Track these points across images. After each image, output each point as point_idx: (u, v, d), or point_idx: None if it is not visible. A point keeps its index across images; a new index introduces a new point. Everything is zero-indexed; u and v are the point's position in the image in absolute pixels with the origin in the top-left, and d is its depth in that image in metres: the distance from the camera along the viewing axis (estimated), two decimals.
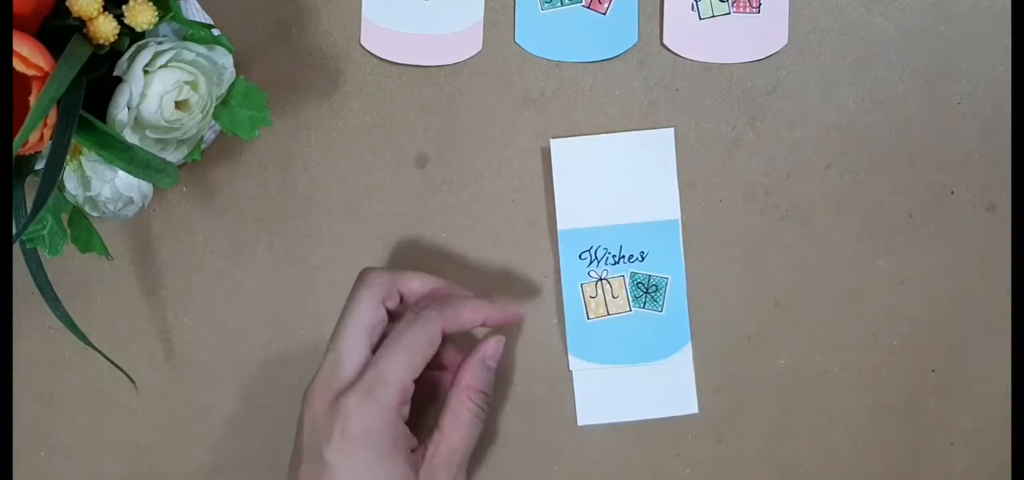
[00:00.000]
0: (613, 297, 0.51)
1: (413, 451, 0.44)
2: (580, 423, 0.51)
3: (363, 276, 0.46)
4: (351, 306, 0.45)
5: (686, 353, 0.51)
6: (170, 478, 0.52)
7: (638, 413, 0.51)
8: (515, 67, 0.51)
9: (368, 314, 0.45)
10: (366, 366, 0.43)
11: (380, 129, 0.51)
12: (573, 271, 0.51)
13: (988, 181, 0.50)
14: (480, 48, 0.51)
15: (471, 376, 0.46)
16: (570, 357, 0.51)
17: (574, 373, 0.51)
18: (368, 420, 0.42)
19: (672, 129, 0.50)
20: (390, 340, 0.44)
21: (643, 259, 0.50)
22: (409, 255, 0.51)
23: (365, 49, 0.51)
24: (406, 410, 0.44)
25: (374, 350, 0.44)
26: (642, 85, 0.51)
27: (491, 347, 0.47)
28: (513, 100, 0.51)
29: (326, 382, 0.43)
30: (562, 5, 0.51)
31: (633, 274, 0.50)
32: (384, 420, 0.42)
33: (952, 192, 0.50)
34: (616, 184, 0.50)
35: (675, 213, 0.50)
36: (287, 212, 0.51)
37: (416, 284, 0.47)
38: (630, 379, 0.50)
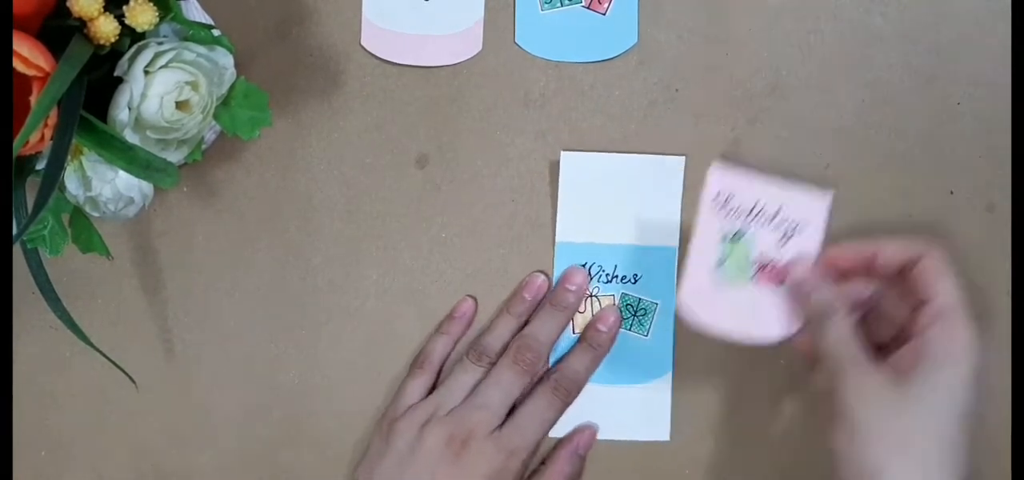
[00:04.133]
0: None
1: None
2: (552, 434, 0.50)
3: None
4: None
5: (666, 381, 0.50)
6: (171, 477, 0.52)
7: (610, 433, 0.51)
8: (515, 67, 0.51)
9: None
10: None
11: (380, 129, 0.51)
12: None
13: (988, 181, 0.50)
14: (480, 49, 0.51)
15: (563, 462, 0.50)
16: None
17: None
18: None
19: (683, 157, 0.50)
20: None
21: (635, 281, 0.50)
22: (409, 255, 0.51)
23: (366, 50, 0.51)
24: None
25: None
26: (642, 85, 0.51)
27: (585, 438, 0.50)
28: (513, 100, 0.51)
29: None
30: (562, 5, 0.51)
31: (624, 295, 0.50)
32: None
33: (952, 192, 0.50)
34: (620, 204, 0.50)
35: (674, 241, 0.50)
36: (287, 212, 0.51)
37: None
38: (606, 398, 0.50)
